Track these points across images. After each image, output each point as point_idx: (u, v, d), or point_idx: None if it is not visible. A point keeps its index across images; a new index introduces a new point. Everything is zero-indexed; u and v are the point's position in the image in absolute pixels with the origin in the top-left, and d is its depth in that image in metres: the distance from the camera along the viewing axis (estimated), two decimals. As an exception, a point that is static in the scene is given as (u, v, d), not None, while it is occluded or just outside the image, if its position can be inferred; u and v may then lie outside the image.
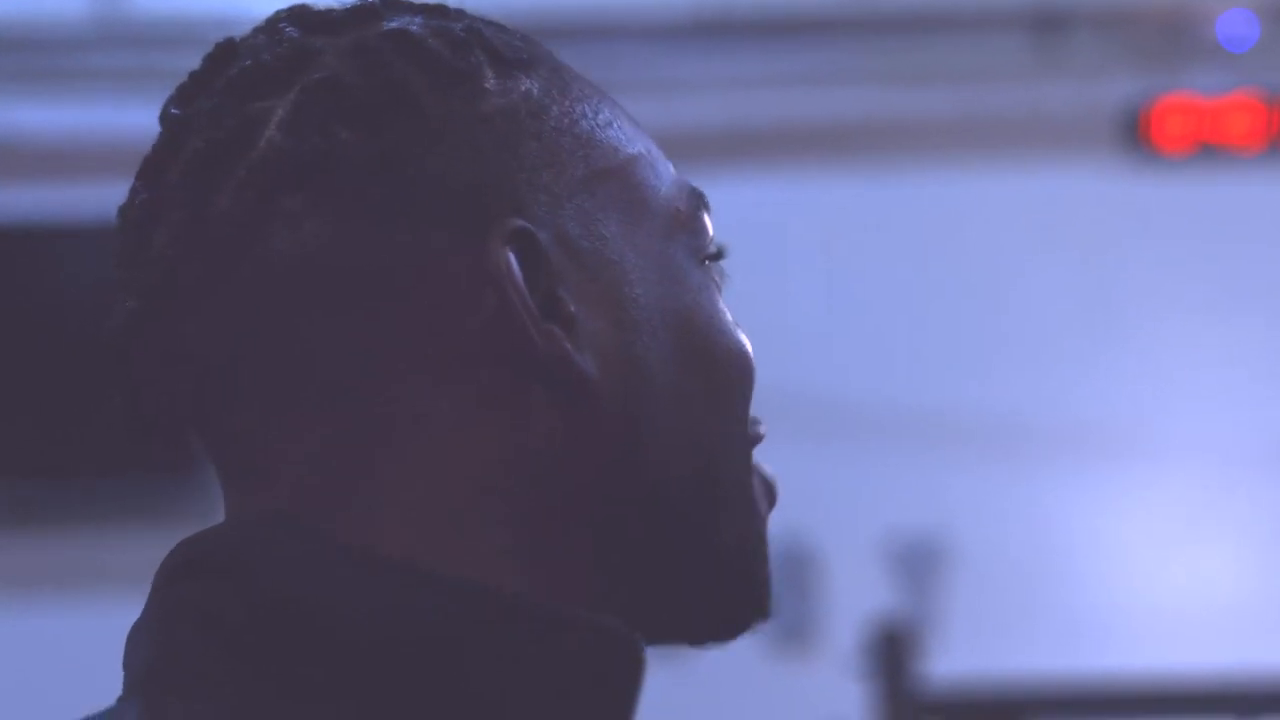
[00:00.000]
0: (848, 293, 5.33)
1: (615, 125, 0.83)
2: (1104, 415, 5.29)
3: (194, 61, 0.85)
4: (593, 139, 0.82)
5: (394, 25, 0.81)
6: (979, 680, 3.75)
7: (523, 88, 0.81)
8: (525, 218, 0.78)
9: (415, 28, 0.81)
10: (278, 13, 0.84)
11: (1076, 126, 5.29)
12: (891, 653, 3.55)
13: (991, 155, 5.36)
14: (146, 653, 0.78)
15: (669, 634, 0.82)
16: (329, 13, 0.82)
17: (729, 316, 0.83)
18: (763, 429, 0.85)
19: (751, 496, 0.84)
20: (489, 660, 0.74)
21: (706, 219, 0.85)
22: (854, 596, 5.11)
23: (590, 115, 0.82)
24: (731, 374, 0.82)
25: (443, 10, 0.84)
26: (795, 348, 5.20)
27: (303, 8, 0.83)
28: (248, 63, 0.81)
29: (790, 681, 5.20)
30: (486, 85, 0.80)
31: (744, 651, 5.13)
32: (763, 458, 0.86)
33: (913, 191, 5.36)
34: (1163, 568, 5.26)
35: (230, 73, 0.81)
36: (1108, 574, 5.28)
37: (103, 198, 6.06)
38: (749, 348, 0.84)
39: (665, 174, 0.85)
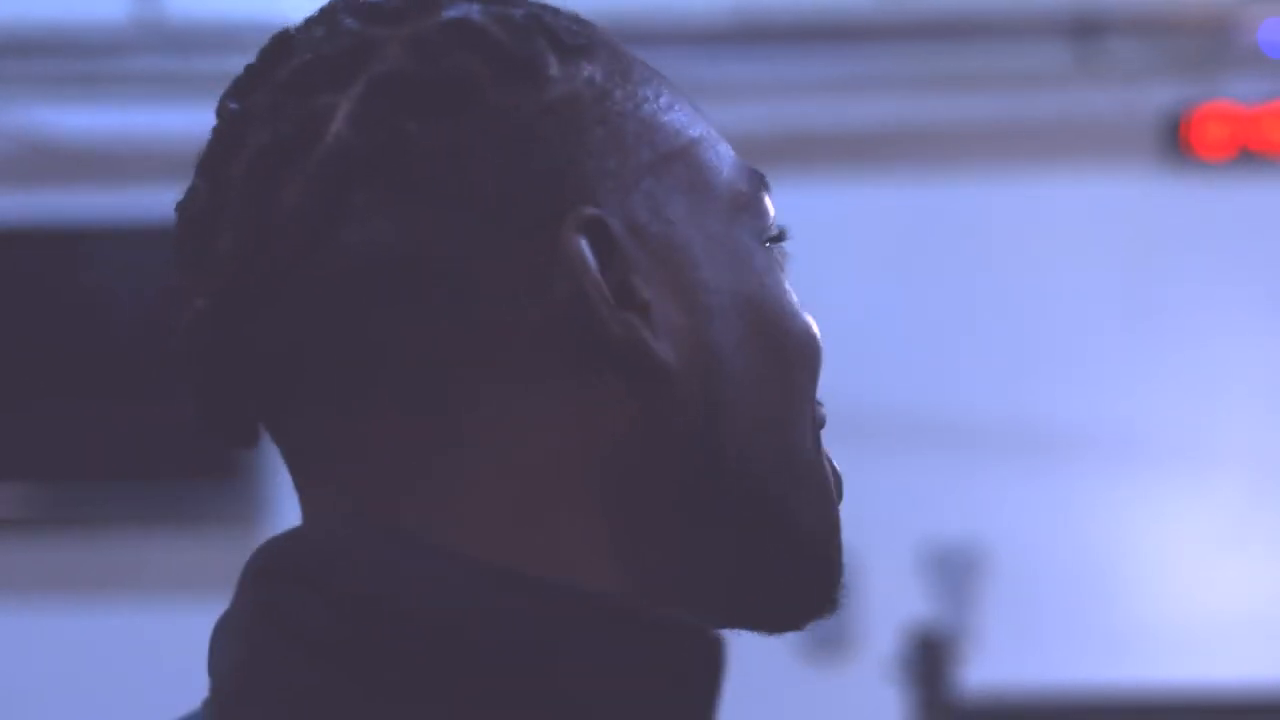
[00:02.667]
0: (886, 299, 5.32)
1: (677, 108, 0.83)
2: (1145, 423, 5.27)
3: (234, 65, 0.85)
4: (656, 122, 0.81)
5: (454, 14, 0.80)
6: (1017, 690, 3.73)
7: (585, 73, 0.80)
8: (595, 205, 0.78)
9: (476, 16, 0.80)
10: (333, 3, 0.83)
11: (1116, 133, 5.27)
12: (929, 661, 3.54)
13: (1031, 162, 5.35)
14: (232, 657, 0.77)
15: (746, 618, 0.82)
16: (387, 2, 0.81)
17: (794, 298, 0.84)
18: (823, 411, 0.85)
19: (826, 479, 0.83)
20: (576, 663, 0.74)
21: (767, 200, 0.85)
22: (891, 604, 5.09)
23: (653, 98, 0.82)
24: (801, 355, 0.82)
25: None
26: (833, 354, 5.16)
27: None
28: (308, 56, 0.80)
29: (827, 689, 5.19)
30: (550, 73, 0.79)
31: (781, 658, 5.12)
32: None
33: (952, 198, 5.35)
34: (1206, 577, 5.23)
35: (291, 65, 0.80)
36: (1150, 583, 5.26)
37: (143, 200, 6.10)
38: (815, 328, 0.84)
39: (726, 156, 0.84)
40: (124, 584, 5.30)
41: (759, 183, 0.85)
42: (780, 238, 0.85)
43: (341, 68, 0.79)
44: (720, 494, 0.79)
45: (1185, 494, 5.27)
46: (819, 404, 0.85)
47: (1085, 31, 5.22)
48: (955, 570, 5.26)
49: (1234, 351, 5.28)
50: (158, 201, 5.13)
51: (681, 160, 0.81)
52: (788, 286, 0.83)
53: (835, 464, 0.85)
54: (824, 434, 0.86)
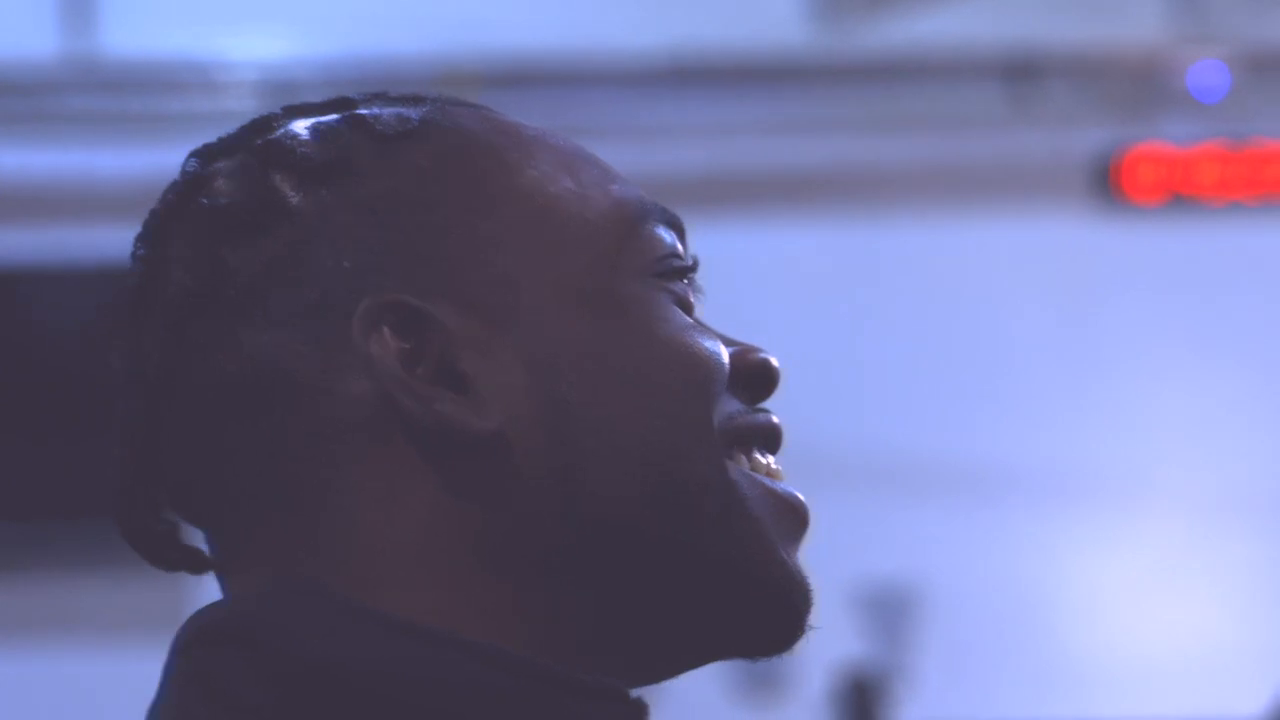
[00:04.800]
0: (820, 339, 5.34)
1: (531, 168, 0.84)
2: (1079, 461, 5.30)
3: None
4: (497, 191, 0.83)
5: (272, 135, 0.84)
6: (951, 728, 3.74)
7: (407, 161, 0.83)
8: (412, 290, 0.81)
9: (290, 131, 0.84)
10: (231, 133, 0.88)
11: (1049, 175, 5.31)
12: (862, 701, 3.54)
13: (966, 203, 5.38)
14: None
15: (681, 657, 0.83)
16: (232, 134, 0.86)
17: (682, 323, 0.84)
18: (769, 418, 0.86)
19: (737, 497, 0.83)
20: None
21: (657, 233, 0.85)
22: (824, 643, 5.08)
23: (497, 168, 0.83)
24: (683, 384, 0.82)
25: (339, 102, 0.86)
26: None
27: (224, 134, 0.87)
28: (157, 205, 0.86)
29: (762, 729, 5.18)
30: (360, 170, 0.82)
31: (712, 698, 5.11)
32: None
33: (888, 239, 5.38)
34: (1140, 616, 5.26)
35: (148, 219, 0.86)
36: (1084, 622, 5.28)
37: (75, 240, 6.04)
38: (708, 349, 0.84)
39: (598, 202, 0.85)
40: (59, 628, 5.25)
41: (644, 219, 0.85)
42: (681, 270, 0.86)
43: (177, 210, 0.84)
44: (597, 542, 0.80)
45: (1119, 532, 5.30)
46: (747, 412, 0.85)
47: (1019, 73, 5.26)
48: (888, 609, 5.27)
49: (1166, 392, 5.32)
50: (88, 241, 5.12)
51: (531, 224, 0.83)
52: (673, 315, 0.84)
53: (783, 488, 0.86)
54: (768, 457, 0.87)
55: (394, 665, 0.76)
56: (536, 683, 0.77)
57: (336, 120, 0.84)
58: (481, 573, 0.79)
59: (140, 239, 0.85)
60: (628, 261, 0.83)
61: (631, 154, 5.66)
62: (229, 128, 0.88)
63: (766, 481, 0.85)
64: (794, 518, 0.86)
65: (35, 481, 5.14)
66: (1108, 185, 5.19)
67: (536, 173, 0.84)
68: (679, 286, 0.85)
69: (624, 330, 0.82)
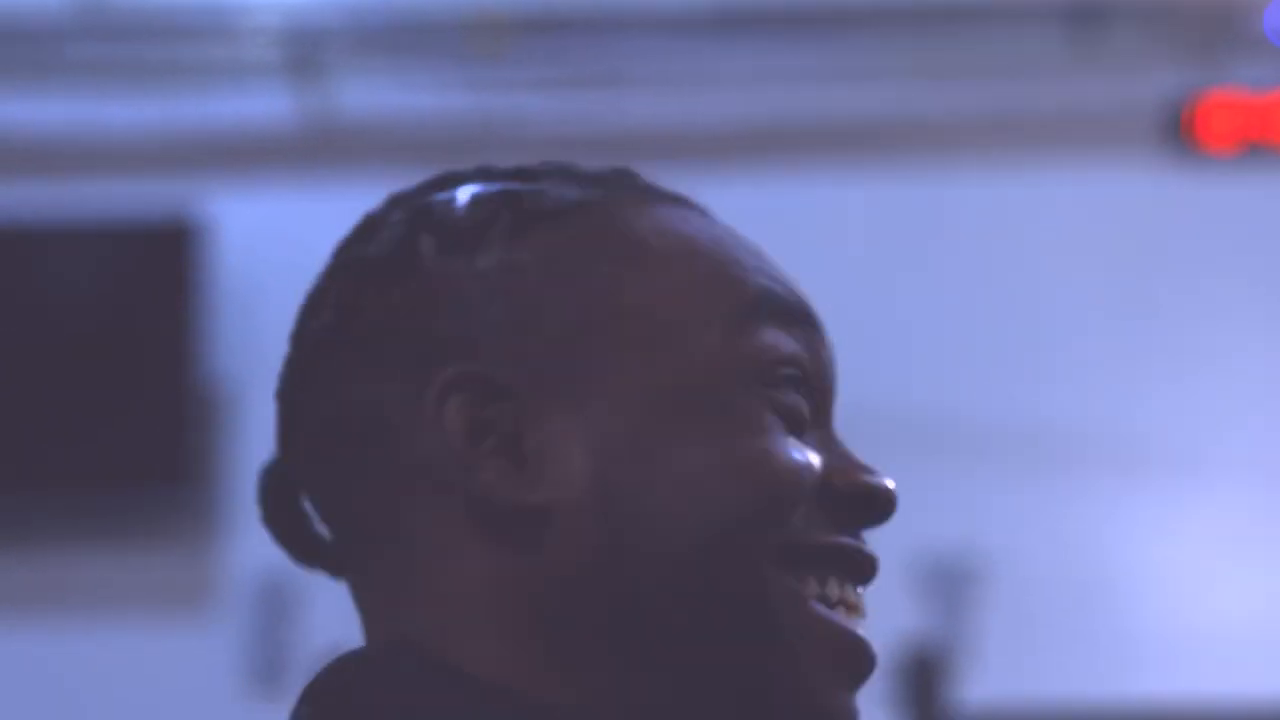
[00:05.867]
0: (873, 298, 5.30)
1: (661, 271, 0.90)
2: (1148, 427, 5.26)
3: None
4: (614, 290, 0.90)
5: (439, 196, 0.95)
6: (1016, 707, 3.71)
7: (543, 240, 0.91)
8: (499, 358, 0.89)
9: (452, 194, 0.94)
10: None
11: (1116, 124, 5.26)
12: (923, 677, 3.52)
13: (1026, 155, 5.34)
14: None
15: None
16: (417, 186, 0.97)
17: (772, 434, 0.88)
18: (855, 545, 0.90)
19: (771, 620, 0.86)
20: None
21: (772, 338, 0.90)
22: (882, 618, 5.06)
23: (622, 264, 0.90)
24: (741, 491, 0.87)
25: (518, 172, 0.95)
26: (819, 357, 5.16)
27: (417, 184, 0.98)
28: (340, 243, 0.99)
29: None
30: (492, 242, 0.91)
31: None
32: None
33: (942, 193, 5.34)
34: (1211, 589, 5.22)
35: (332, 252, 0.99)
36: (1152, 594, 5.25)
37: (85, 195, 6.03)
38: (789, 462, 0.87)
39: (717, 311, 0.90)
40: (63, 603, 5.25)
41: (766, 321, 0.91)
42: (794, 379, 0.90)
43: (349, 251, 0.97)
44: (636, 626, 0.87)
45: (1187, 500, 5.26)
46: (847, 539, 0.89)
47: (1083, 17, 5.21)
48: (950, 582, 5.24)
49: (1239, 354, 5.27)
50: (100, 197, 5.11)
51: (635, 320, 0.90)
52: (768, 427, 0.88)
53: (844, 626, 0.89)
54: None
55: None
56: None
57: (494, 189, 0.93)
58: (538, 631, 0.87)
59: (321, 274, 0.97)
60: (728, 365, 0.89)
61: (671, 105, 5.63)
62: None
63: (825, 613, 0.87)
64: (850, 657, 0.88)
65: (43, 449, 5.12)
66: (1179, 134, 5.13)
67: (664, 274, 0.90)
68: (789, 396, 0.89)
69: (700, 433, 0.87)
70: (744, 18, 5.19)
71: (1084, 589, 5.22)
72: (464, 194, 0.94)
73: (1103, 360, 5.31)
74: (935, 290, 5.34)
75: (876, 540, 0.92)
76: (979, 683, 4.67)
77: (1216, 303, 5.29)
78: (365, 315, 0.92)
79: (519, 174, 0.95)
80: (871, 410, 5.21)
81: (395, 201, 0.96)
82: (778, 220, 5.44)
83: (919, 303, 5.34)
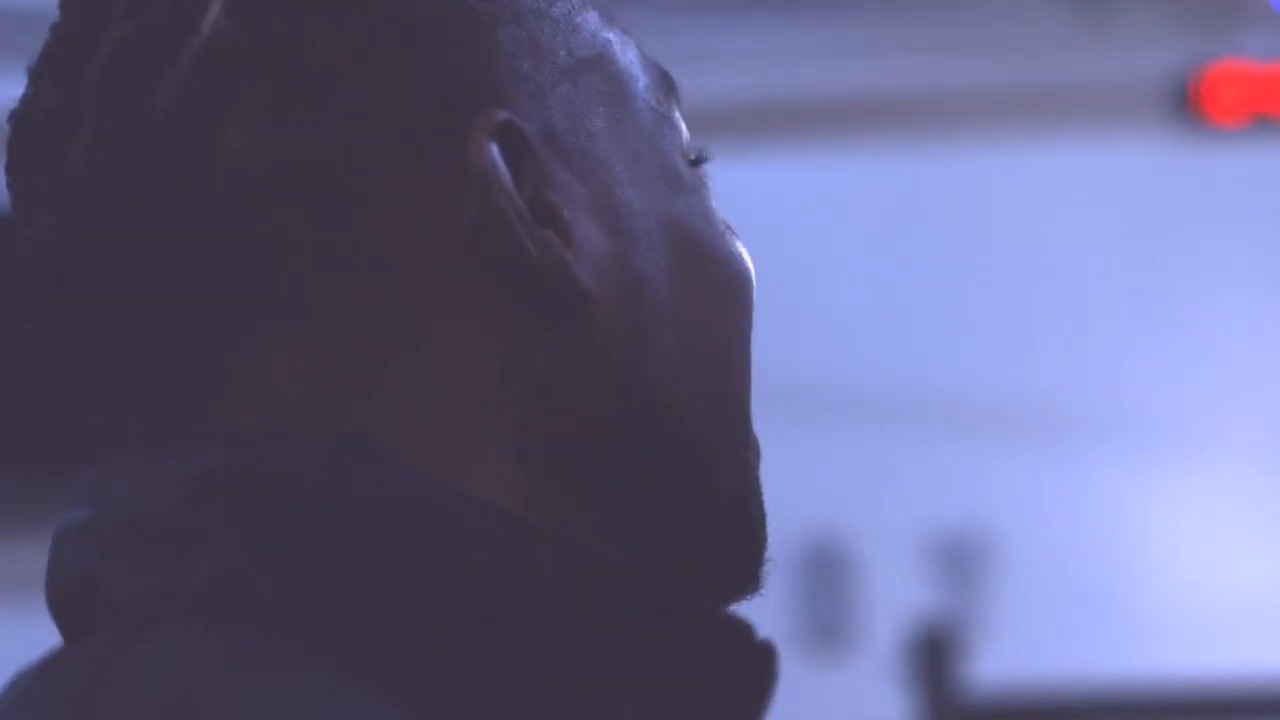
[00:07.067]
0: (884, 274, 5.32)
1: (590, 7, 0.78)
2: (1157, 400, 5.27)
3: None
4: (571, 23, 0.77)
5: None
6: (1026, 683, 3.73)
7: None
8: (509, 110, 0.73)
9: None
10: None
11: (1122, 96, 5.27)
12: (933, 654, 3.54)
13: (1033, 129, 5.34)
14: (190, 575, 0.69)
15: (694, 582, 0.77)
16: None
17: (722, 221, 0.79)
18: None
19: (753, 433, 0.79)
20: (622, 643, 0.70)
21: (679, 114, 0.80)
22: (893, 595, 5.09)
23: (568, 4, 0.77)
24: (734, 287, 0.78)
25: None
26: (826, 332, 5.18)
27: None
28: None
29: (826, 685, 5.19)
30: None
31: (780, 653, 5.11)
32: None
33: (952, 168, 5.35)
34: (1222, 562, 5.24)
35: None
36: (1163, 569, 5.26)
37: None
38: (748, 258, 0.79)
39: (640, 62, 0.79)
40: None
41: (672, 92, 0.80)
42: (700, 160, 0.80)
43: None
44: (646, 440, 0.75)
45: (1196, 476, 5.27)
46: None
47: (1089, -10, 5.22)
48: (960, 559, 5.26)
49: (1248, 323, 5.29)
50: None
51: (599, 65, 0.77)
52: (716, 211, 0.78)
53: (757, 435, 0.80)
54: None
55: (493, 554, 0.69)
56: (634, 587, 0.71)
57: None
58: (515, 444, 0.72)
59: None
60: (675, 137, 0.78)
61: (684, 82, 5.61)
62: None
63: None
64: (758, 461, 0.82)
65: (41, 433, 5.15)
66: (1186, 106, 5.14)
67: (592, 15, 0.78)
68: (702, 176, 0.79)
69: (689, 215, 0.77)
70: (750, -5, 5.21)
71: (1096, 565, 5.24)
72: None
73: (1112, 333, 5.32)
74: (942, 265, 5.35)
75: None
76: (991, 659, 4.69)
77: (1223, 269, 5.31)
78: (313, 39, 0.72)
79: None
80: (884, 388, 5.23)
81: None
82: (787, 197, 5.46)
83: (925, 278, 5.35)
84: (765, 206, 5.10)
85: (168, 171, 0.72)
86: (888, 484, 5.17)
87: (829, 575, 5.19)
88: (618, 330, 0.74)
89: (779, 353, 5.07)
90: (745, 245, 0.82)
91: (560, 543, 0.71)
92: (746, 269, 0.79)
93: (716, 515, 0.77)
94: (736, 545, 0.78)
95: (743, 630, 0.72)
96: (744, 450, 0.78)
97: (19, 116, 0.75)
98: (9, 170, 0.75)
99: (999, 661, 4.69)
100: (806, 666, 5.19)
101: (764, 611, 0.84)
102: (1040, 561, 5.22)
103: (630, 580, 0.71)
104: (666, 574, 0.76)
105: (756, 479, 0.79)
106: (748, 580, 0.78)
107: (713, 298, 0.77)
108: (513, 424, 0.73)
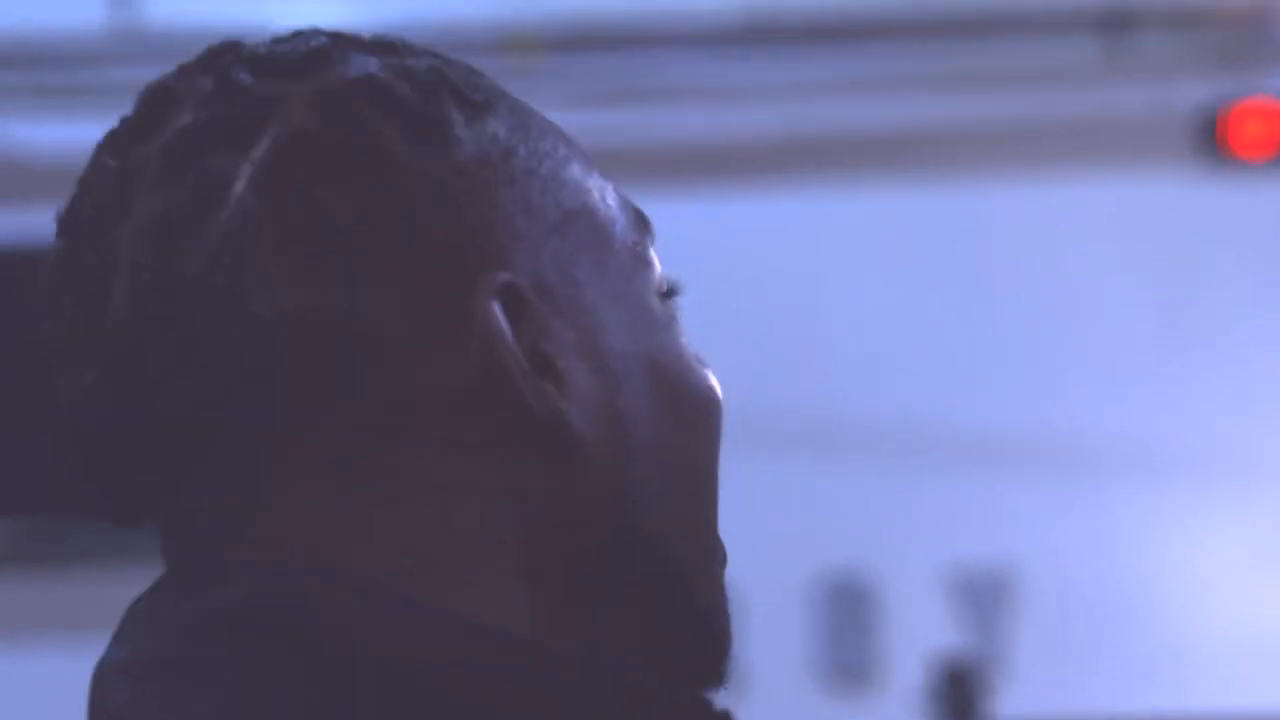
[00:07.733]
0: (908, 309, 5.31)
1: (573, 160, 0.84)
2: (1182, 437, 5.26)
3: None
4: (558, 179, 0.83)
5: (358, 71, 0.81)
6: (1051, 720, 3.72)
7: (490, 130, 0.82)
8: (506, 268, 0.80)
9: (381, 73, 0.81)
10: (215, 51, 0.85)
11: (1149, 132, 5.27)
12: (957, 692, 3.53)
13: (1059, 164, 5.34)
14: (201, 711, 0.76)
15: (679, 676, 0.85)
16: (281, 55, 0.82)
17: (692, 353, 0.85)
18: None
19: (722, 550, 0.85)
20: None
21: (653, 250, 0.86)
22: (916, 633, 5.08)
23: (552, 153, 0.83)
24: (704, 419, 0.84)
25: (398, 48, 0.84)
26: (847, 368, 5.18)
27: (244, 48, 0.84)
28: (201, 113, 0.81)
29: (850, 723, 5.18)
30: (457, 132, 0.81)
31: (800, 689, 5.10)
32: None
33: (977, 203, 5.35)
34: (1249, 600, 5.22)
35: (179, 124, 0.81)
36: (1189, 607, 5.24)
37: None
38: (717, 387, 0.85)
39: (618, 206, 0.85)
40: (102, 622, 5.28)
41: (647, 230, 0.86)
42: (671, 293, 0.86)
43: (239, 127, 0.80)
44: (633, 557, 0.81)
45: (1224, 511, 5.26)
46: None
47: (1114, 25, 5.22)
48: (984, 595, 5.25)
49: (1275, 361, 5.27)
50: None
51: (583, 217, 0.83)
52: (686, 343, 0.85)
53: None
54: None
55: (482, 668, 0.76)
56: (626, 692, 0.78)
57: (425, 73, 0.82)
58: (518, 575, 0.79)
59: (146, 143, 0.81)
60: (649, 276, 0.85)
61: (704, 118, 5.66)
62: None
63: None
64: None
65: (48, 475, 5.15)
66: (1213, 141, 5.14)
67: (576, 166, 0.84)
68: (673, 308, 0.86)
69: (663, 352, 0.83)
70: (774, 30, 5.21)
71: (1120, 602, 5.23)
72: (397, 74, 0.81)
73: (1137, 369, 5.31)
74: (965, 300, 5.35)
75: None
76: (1013, 698, 4.68)
77: (1251, 308, 5.30)
78: (326, 210, 0.77)
79: (395, 49, 0.83)
80: (902, 423, 5.22)
81: (296, 66, 0.81)
82: (807, 231, 5.46)
83: (949, 313, 5.35)
84: (787, 240, 5.11)
85: (199, 334, 0.78)
86: (910, 520, 5.17)
87: (851, 612, 5.18)
88: (606, 462, 0.81)
89: (799, 389, 5.07)
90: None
91: (561, 655, 0.78)
92: (716, 398, 0.85)
93: (693, 622, 0.84)
94: (709, 647, 0.85)
95: (707, 705, 0.79)
96: (713, 562, 0.85)
97: (55, 269, 0.82)
98: (51, 325, 0.82)
99: (1022, 699, 4.67)
100: (832, 703, 5.18)
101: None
102: (1064, 598, 5.21)
103: (626, 683, 0.78)
104: (648, 672, 0.82)
105: (724, 588, 0.85)
106: (717, 675, 0.85)
107: (688, 427, 0.83)
108: (513, 550, 0.79)
